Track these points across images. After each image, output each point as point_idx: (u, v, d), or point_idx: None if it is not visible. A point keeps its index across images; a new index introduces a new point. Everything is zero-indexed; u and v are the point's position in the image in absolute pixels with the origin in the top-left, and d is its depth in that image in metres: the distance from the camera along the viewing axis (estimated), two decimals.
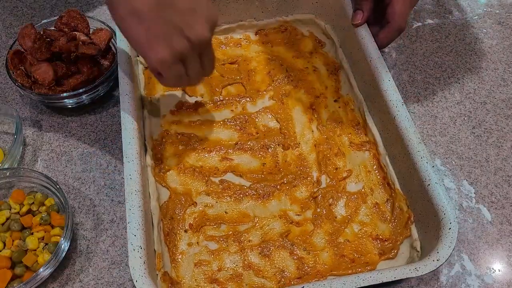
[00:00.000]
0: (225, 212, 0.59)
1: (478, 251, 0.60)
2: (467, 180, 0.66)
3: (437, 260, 0.50)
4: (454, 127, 0.71)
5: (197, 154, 0.64)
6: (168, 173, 0.62)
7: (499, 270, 0.59)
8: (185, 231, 0.58)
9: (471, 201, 0.64)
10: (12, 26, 0.80)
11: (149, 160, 0.61)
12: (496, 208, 0.63)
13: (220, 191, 0.61)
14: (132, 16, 0.48)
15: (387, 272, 0.49)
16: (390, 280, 0.49)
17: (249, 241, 0.57)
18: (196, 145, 0.64)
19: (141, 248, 0.49)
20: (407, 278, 0.57)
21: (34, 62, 0.65)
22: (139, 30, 0.48)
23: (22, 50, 0.68)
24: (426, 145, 0.69)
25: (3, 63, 0.75)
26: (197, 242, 0.57)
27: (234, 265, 0.55)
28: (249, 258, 0.56)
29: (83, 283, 0.56)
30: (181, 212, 0.59)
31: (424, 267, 0.49)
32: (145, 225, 0.52)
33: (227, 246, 0.57)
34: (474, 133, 0.70)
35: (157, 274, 0.53)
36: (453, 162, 0.67)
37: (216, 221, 0.58)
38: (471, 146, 0.69)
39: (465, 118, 0.72)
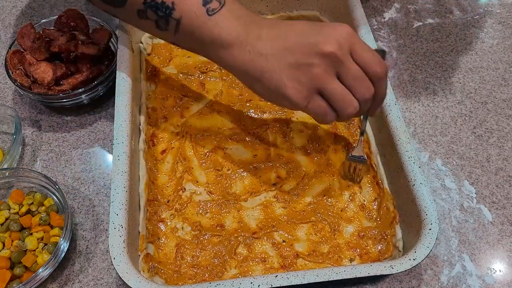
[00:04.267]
0: (212, 200, 0.60)
1: (479, 252, 0.60)
2: (468, 180, 0.65)
3: (414, 259, 0.50)
4: (455, 127, 0.71)
5: (191, 141, 0.65)
6: (161, 156, 0.64)
7: (500, 271, 0.59)
8: (171, 215, 0.59)
9: (472, 202, 0.64)
10: (11, 26, 0.80)
11: (141, 144, 0.62)
12: (497, 209, 0.63)
13: (211, 180, 0.62)
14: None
15: (361, 267, 0.50)
16: (364, 276, 0.49)
17: (233, 229, 0.58)
18: (191, 132, 0.66)
19: (122, 227, 0.50)
20: (409, 279, 0.57)
21: (33, 61, 0.65)
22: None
23: (22, 49, 0.68)
24: (427, 145, 0.69)
25: (2, 63, 0.75)
26: (182, 227, 0.58)
27: (217, 251, 0.56)
28: (233, 245, 0.57)
29: (82, 284, 0.56)
30: (168, 196, 0.60)
31: (399, 265, 0.50)
32: (130, 205, 0.53)
33: (211, 232, 0.58)
34: (475, 133, 0.70)
35: (139, 255, 0.54)
36: (454, 162, 0.67)
37: (202, 208, 0.60)
38: (472, 146, 0.69)
39: (466, 118, 0.72)
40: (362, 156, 0.60)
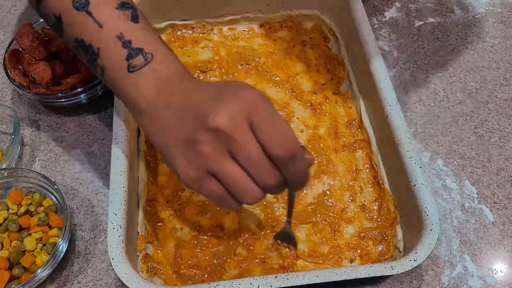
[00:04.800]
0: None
1: (480, 252, 0.60)
2: (469, 180, 0.65)
3: (415, 260, 0.50)
4: (456, 127, 0.70)
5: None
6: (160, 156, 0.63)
7: (501, 271, 0.58)
8: (170, 215, 0.59)
9: (473, 202, 0.63)
10: (10, 25, 0.80)
11: (141, 144, 0.62)
12: (498, 209, 0.63)
13: None
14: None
15: (362, 268, 0.50)
16: (364, 277, 0.49)
17: (233, 229, 0.58)
18: None
19: (120, 227, 0.50)
20: (410, 280, 0.57)
21: (32, 61, 0.65)
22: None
23: (20, 49, 0.68)
24: (428, 145, 0.68)
25: (0, 62, 0.74)
26: (181, 228, 0.58)
27: (217, 252, 0.56)
28: (232, 246, 0.56)
29: (81, 284, 0.56)
30: (168, 196, 0.60)
31: (400, 266, 0.50)
32: (129, 206, 0.53)
33: (211, 233, 0.57)
34: (477, 133, 0.70)
35: (138, 256, 0.54)
36: (455, 162, 0.67)
37: (202, 208, 0.59)
38: (473, 146, 0.68)
39: (467, 118, 0.71)
40: (290, 236, 0.54)
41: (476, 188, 0.65)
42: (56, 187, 0.57)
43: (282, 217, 0.59)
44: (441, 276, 0.58)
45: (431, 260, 0.59)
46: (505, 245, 0.60)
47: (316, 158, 0.63)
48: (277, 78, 0.71)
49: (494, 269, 0.59)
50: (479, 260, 0.59)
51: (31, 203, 0.59)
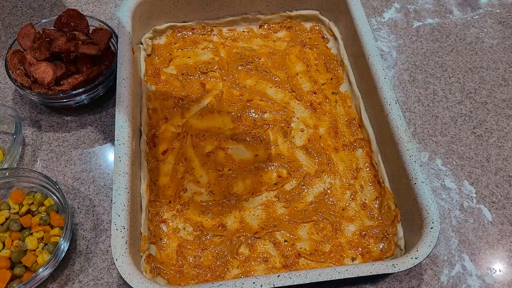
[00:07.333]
0: (214, 200, 0.60)
1: (479, 252, 0.60)
2: (468, 180, 0.66)
3: (416, 258, 0.50)
4: (455, 127, 0.71)
5: (192, 141, 0.65)
6: (162, 157, 0.64)
7: (500, 271, 0.59)
8: (173, 215, 0.59)
9: (472, 201, 0.64)
10: (11, 26, 0.80)
11: (143, 145, 0.63)
12: (497, 208, 0.63)
13: (212, 180, 0.62)
14: None
15: (363, 267, 0.50)
16: (366, 275, 0.49)
17: (235, 229, 0.58)
18: (192, 133, 0.66)
19: (124, 228, 0.51)
20: (409, 279, 0.57)
21: (33, 61, 0.65)
22: None
23: (22, 49, 0.68)
24: (427, 145, 0.69)
25: (2, 63, 0.75)
26: (184, 228, 0.58)
27: (219, 251, 0.56)
28: (234, 245, 0.57)
29: (83, 284, 0.56)
30: (170, 197, 0.60)
31: (402, 264, 0.50)
32: (131, 207, 0.53)
33: (213, 233, 0.58)
34: (475, 133, 0.70)
35: (141, 256, 0.55)
36: (454, 162, 0.67)
37: (204, 208, 0.60)
38: (472, 146, 0.69)
39: (466, 118, 0.72)
40: None
41: (474, 188, 0.65)
42: (57, 186, 0.58)
43: (284, 216, 0.59)
44: (440, 275, 0.58)
45: (430, 259, 0.59)
46: (503, 244, 0.61)
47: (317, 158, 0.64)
48: (277, 78, 0.72)
49: (493, 269, 0.59)
50: (477, 260, 0.59)
51: (32, 203, 0.59)
